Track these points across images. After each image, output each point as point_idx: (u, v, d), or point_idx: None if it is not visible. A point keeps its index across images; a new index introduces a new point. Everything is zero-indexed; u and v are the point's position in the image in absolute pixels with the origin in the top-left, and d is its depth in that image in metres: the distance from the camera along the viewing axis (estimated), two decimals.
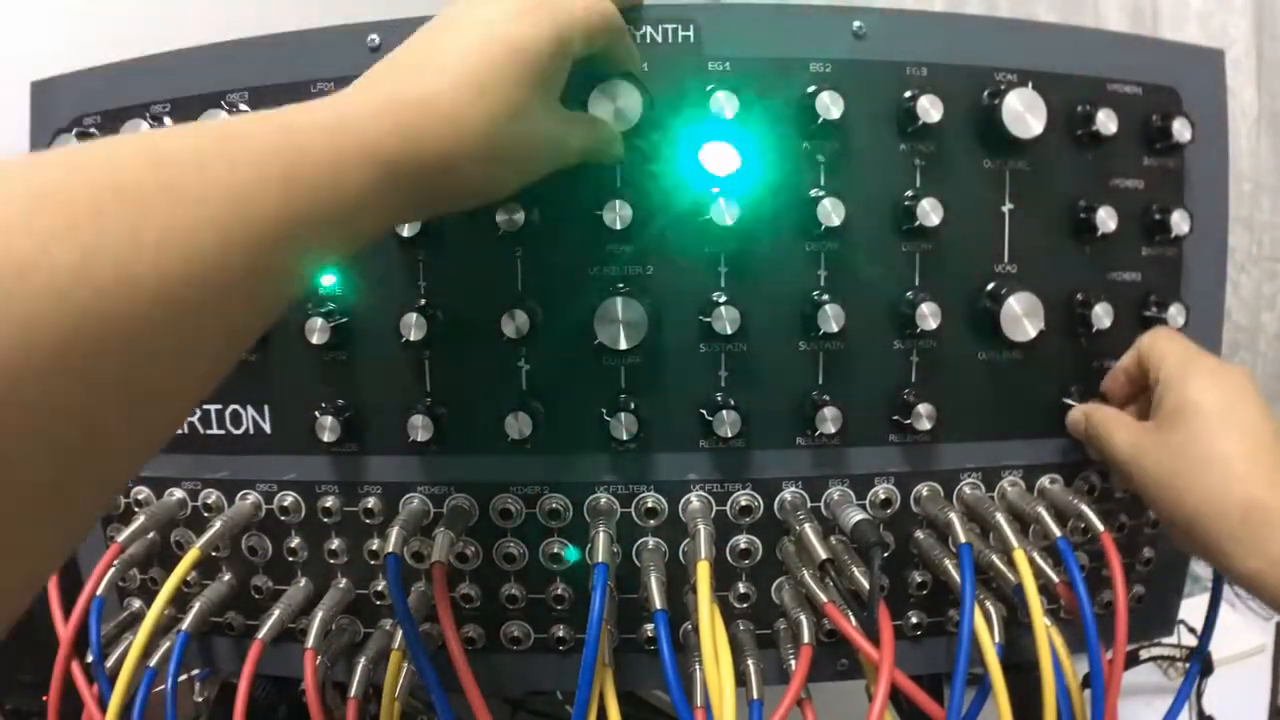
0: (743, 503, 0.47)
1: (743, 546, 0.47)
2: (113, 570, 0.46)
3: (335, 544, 0.49)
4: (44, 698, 0.44)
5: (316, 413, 0.46)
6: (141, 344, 0.22)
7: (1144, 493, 0.43)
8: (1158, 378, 0.43)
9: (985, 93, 0.46)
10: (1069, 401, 0.48)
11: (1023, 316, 0.45)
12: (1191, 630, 0.59)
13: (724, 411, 0.44)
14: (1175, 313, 0.48)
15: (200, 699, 0.54)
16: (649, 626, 0.47)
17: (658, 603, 0.41)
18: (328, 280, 0.46)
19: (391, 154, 0.30)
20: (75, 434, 0.21)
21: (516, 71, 0.33)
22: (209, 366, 0.26)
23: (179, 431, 0.49)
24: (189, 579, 0.48)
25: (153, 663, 0.46)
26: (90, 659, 0.44)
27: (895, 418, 0.46)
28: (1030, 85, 0.45)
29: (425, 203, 0.34)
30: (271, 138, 0.27)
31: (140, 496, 0.49)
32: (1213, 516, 0.39)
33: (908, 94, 0.44)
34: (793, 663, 0.44)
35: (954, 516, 0.44)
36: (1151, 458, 0.42)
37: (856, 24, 0.45)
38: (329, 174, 0.28)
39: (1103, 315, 0.46)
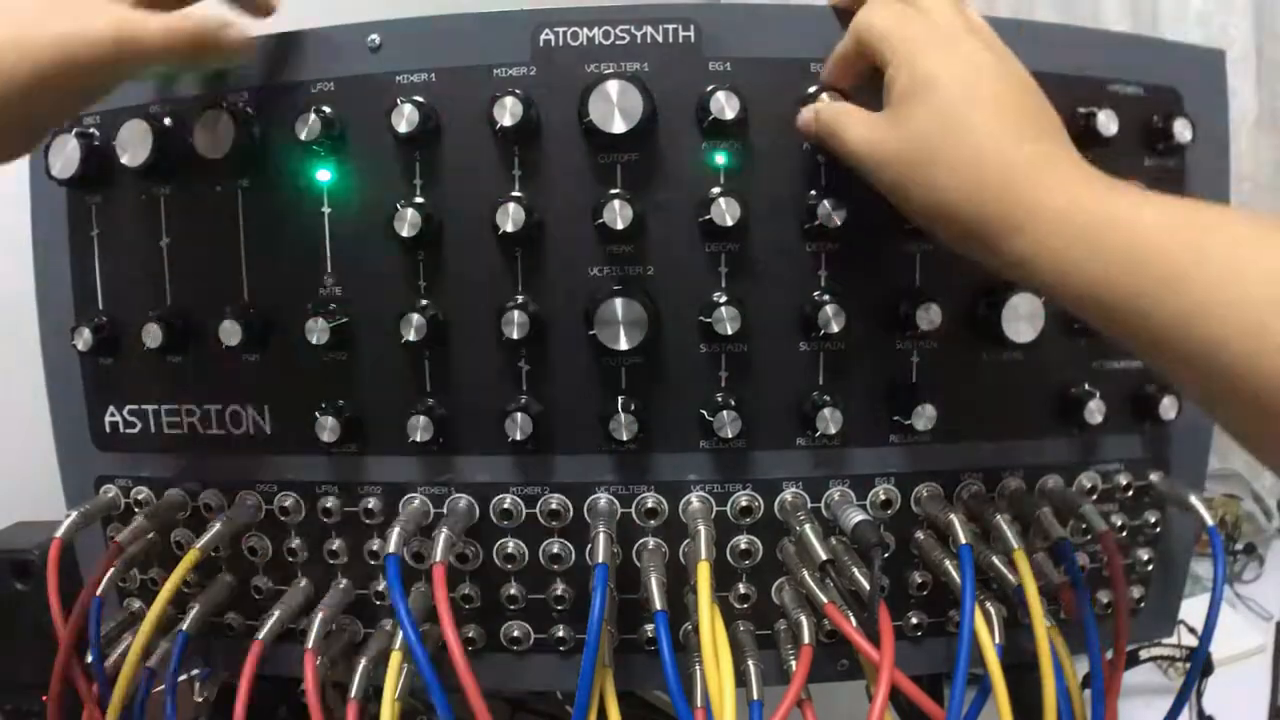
0: (743, 503, 0.47)
1: (743, 547, 0.47)
2: (113, 570, 0.46)
3: (335, 544, 0.49)
4: (44, 698, 0.44)
5: (316, 413, 0.46)
6: None
7: (892, 192, 0.38)
8: (884, 59, 0.38)
9: None
10: (804, 93, 0.44)
11: (1023, 317, 0.45)
12: (1191, 630, 0.60)
13: (724, 412, 0.44)
14: None
15: (200, 699, 0.54)
16: (649, 627, 0.47)
17: (658, 603, 0.41)
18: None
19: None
20: None
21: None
22: None
23: (179, 432, 0.49)
24: (189, 579, 0.48)
25: (153, 663, 0.46)
26: (90, 659, 0.44)
27: (895, 418, 0.46)
28: None
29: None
30: None
31: (140, 496, 0.49)
32: (970, 197, 0.34)
33: None
34: (793, 663, 0.44)
35: (954, 517, 0.44)
36: (891, 148, 0.37)
37: None
38: None
39: None
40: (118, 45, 0.34)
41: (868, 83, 0.41)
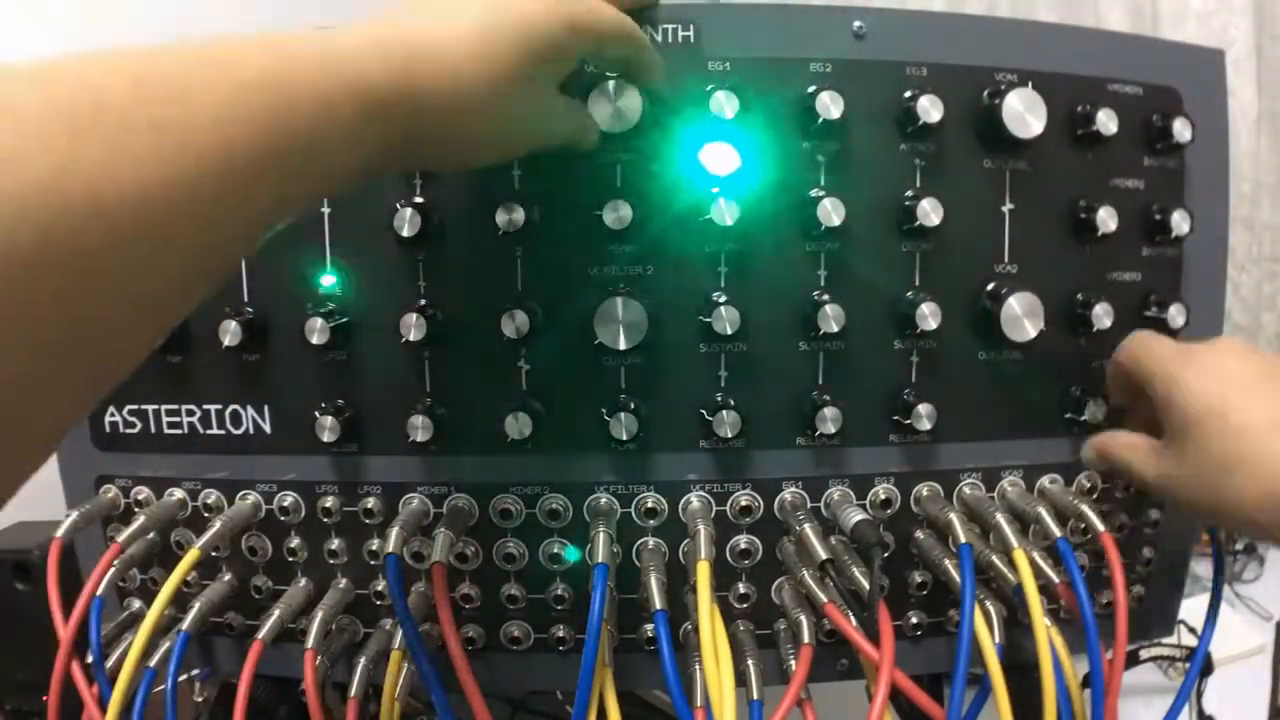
0: (743, 503, 0.47)
1: (743, 546, 0.47)
2: (113, 570, 0.46)
3: (335, 544, 0.49)
4: (44, 698, 0.44)
5: (316, 413, 0.46)
6: (119, 251, 0.22)
7: (1188, 509, 0.43)
8: (1153, 395, 0.43)
9: (985, 93, 0.46)
10: (1072, 415, 0.47)
11: (1023, 316, 0.45)
12: (1191, 630, 0.60)
13: (724, 411, 0.44)
14: (1175, 313, 0.48)
15: (200, 699, 0.54)
16: (649, 626, 0.47)
17: (658, 603, 0.41)
18: (328, 280, 0.46)
19: (381, 91, 0.29)
20: (59, 325, 0.22)
21: (524, 45, 0.33)
22: (184, 281, 0.26)
23: (179, 432, 0.49)
24: (189, 579, 0.48)
25: (153, 663, 0.46)
26: (90, 659, 0.44)
27: (895, 418, 0.46)
28: (1030, 85, 0.45)
29: (409, 153, 0.33)
30: (258, 69, 0.26)
31: (140, 496, 0.49)
32: (1263, 511, 0.38)
33: (908, 94, 0.44)
34: (793, 663, 0.44)
35: (954, 516, 0.44)
36: (1179, 479, 0.41)
37: (856, 24, 0.45)
38: (313, 108, 0.27)
39: (1103, 315, 0.46)
40: (569, 139, 0.38)
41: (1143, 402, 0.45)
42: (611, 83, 0.41)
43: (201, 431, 0.49)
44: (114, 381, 0.26)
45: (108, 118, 0.22)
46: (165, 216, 0.23)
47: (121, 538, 0.46)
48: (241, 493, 0.49)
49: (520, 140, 0.37)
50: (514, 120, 0.35)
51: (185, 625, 0.45)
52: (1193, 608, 0.55)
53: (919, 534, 0.48)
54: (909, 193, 0.45)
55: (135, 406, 0.49)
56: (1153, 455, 0.43)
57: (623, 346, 0.43)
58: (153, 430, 0.49)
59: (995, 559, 0.44)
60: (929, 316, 0.44)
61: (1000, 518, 0.44)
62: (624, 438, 0.44)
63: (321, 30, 0.29)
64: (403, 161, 0.35)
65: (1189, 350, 0.43)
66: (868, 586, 0.42)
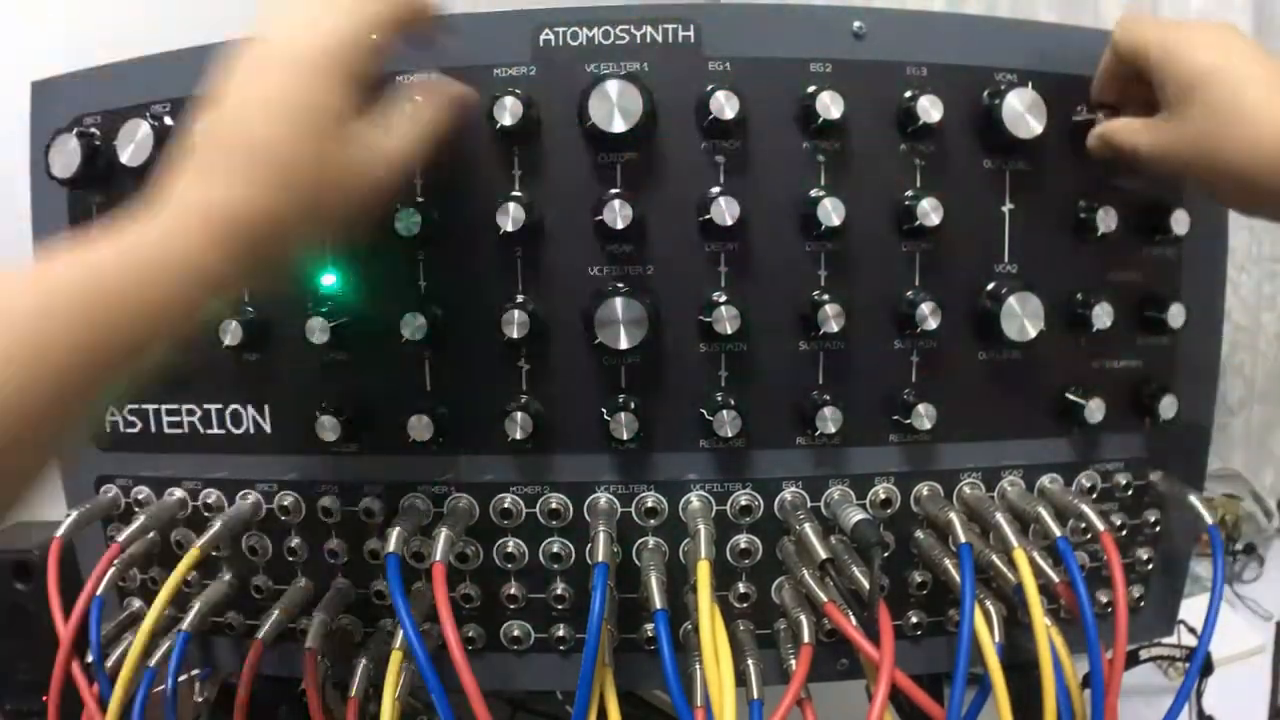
0: (743, 502, 0.47)
1: (743, 546, 0.47)
2: (113, 570, 0.46)
3: (335, 544, 0.49)
4: (44, 698, 0.44)
5: (316, 413, 0.46)
6: None
7: (1187, 173, 0.43)
8: (1148, 68, 0.42)
9: (985, 93, 0.46)
10: (1080, 118, 0.47)
11: (1023, 316, 0.45)
12: (1191, 630, 0.60)
13: (724, 411, 0.44)
14: (1175, 313, 0.48)
15: (200, 699, 0.54)
16: (649, 626, 0.47)
17: (658, 602, 0.41)
18: (328, 280, 0.46)
19: (229, 269, 0.32)
20: None
21: (312, 125, 0.34)
22: (38, 459, 0.31)
23: (179, 432, 0.49)
24: (189, 579, 0.48)
25: (153, 663, 0.46)
26: (90, 659, 0.44)
27: (895, 418, 0.46)
28: (1030, 85, 0.45)
29: (261, 269, 0.35)
30: (76, 287, 0.29)
31: (140, 496, 0.49)
32: (1261, 170, 0.38)
33: (908, 94, 0.44)
34: (793, 663, 0.44)
35: (954, 516, 0.44)
36: (1183, 145, 0.41)
37: (856, 24, 0.45)
38: (138, 309, 0.30)
39: (1103, 315, 0.46)
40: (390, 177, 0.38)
41: (1134, 91, 0.45)
42: (611, 83, 0.41)
43: (201, 431, 0.49)
44: None
45: None
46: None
47: (121, 538, 0.46)
48: (241, 493, 0.49)
49: (355, 185, 0.36)
50: (347, 165, 0.35)
51: (185, 625, 0.45)
52: (1193, 608, 0.55)
53: (919, 534, 0.48)
54: (909, 193, 0.45)
55: (135, 406, 0.49)
56: (1153, 129, 0.43)
57: (623, 346, 0.43)
58: (153, 430, 0.49)
59: (995, 559, 0.44)
60: (929, 316, 0.44)
61: (1000, 517, 0.44)
62: (624, 437, 0.44)
63: (142, 226, 0.32)
64: (257, 278, 0.36)
65: (1180, 24, 0.43)
66: (868, 586, 0.42)
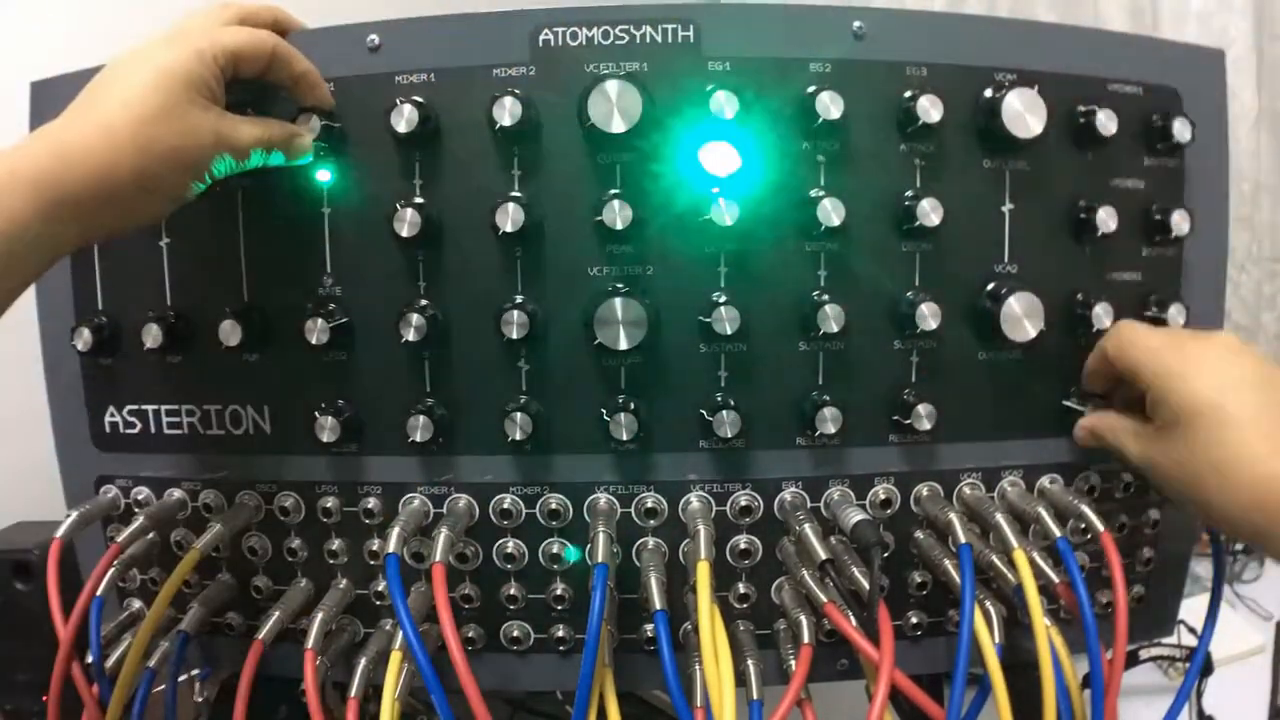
0: (743, 503, 0.47)
1: (743, 547, 0.47)
2: (113, 570, 0.46)
3: (335, 544, 0.49)
4: (44, 698, 0.44)
5: (316, 413, 0.46)
6: None
7: (1171, 498, 0.44)
8: (1142, 385, 0.43)
9: (985, 93, 0.45)
10: (1070, 404, 0.48)
11: (1023, 316, 0.45)
12: (1191, 630, 0.59)
13: (724, 411, 0.44)
14: (1175, 313, 0.48)
15: (200, 699, 0.54)
16: (649, 626, 0.47)
17: (658, 603, 0.41)
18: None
19: (46, 174, 0.35)
20: None
21: (160, 82, 0.38)
22: None
23: (179, 432, 0.49)
24: (189, 579, 0.48)
25: (153, 663, 0.46)
26: (90, 659, 0.44)
27: (895, 418, 0.46)
28: (1030, 85, 0.45)
29: (89, 219, 0.38)
30: None
31: (140, 497, 0.49)
32: (1245, 513, 0.38)
33: (908, 94, 0.44)
34: (793, 663, 0.44)
35: (954, 516, 0.44)
36: (1166, 467, 0.42)
37: (856, 24, 0.45)
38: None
39: (1103, 315, 0.46)
40: (217, 149, 0.41)
41: (1125, 389, 0.46)
42: (610, 83, 0.41)
43: (201, 431, 0.49)
44: None
45: None
46: None
47: (121, 538, 0.46)
48: (241, 493, 0.49)
49: (200, 155, 0.40)
50: (178, 143, 0.39)
51: (185, 625, 0.45)
52: (1193, 608, 0.55)
53: (919, 534, 0.48)
54: (909, 193, 0.45)
55: (135, 406, 0.49)
56: (1142, 438, 0.43)
57: (623, 346, 0.43)
58: (153, 430, 0.49)
59: (995, 559, 0.44)
60: (929, 316, 0.44)
61: (1000, 518, 0.44)
62: (624, 438, 0.44)
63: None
64: (89, 231, 0.39)
65: (1180, 343, 0.43)
66: (868, 586, 0.42)
